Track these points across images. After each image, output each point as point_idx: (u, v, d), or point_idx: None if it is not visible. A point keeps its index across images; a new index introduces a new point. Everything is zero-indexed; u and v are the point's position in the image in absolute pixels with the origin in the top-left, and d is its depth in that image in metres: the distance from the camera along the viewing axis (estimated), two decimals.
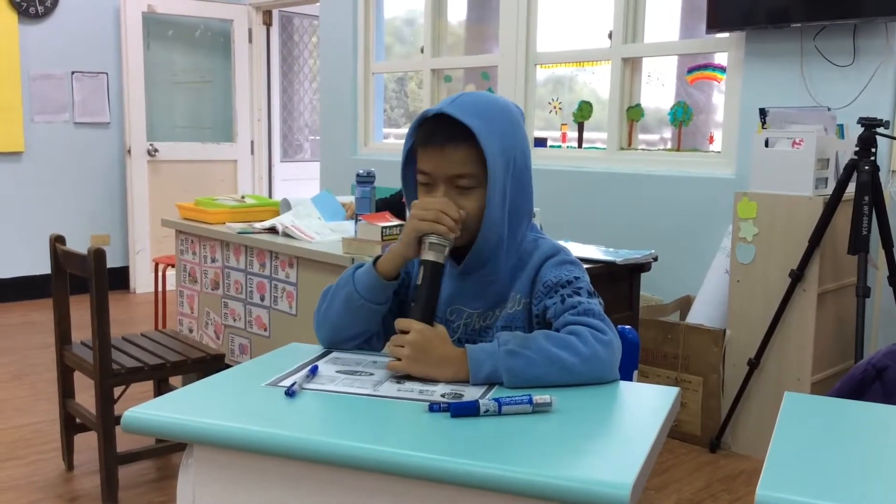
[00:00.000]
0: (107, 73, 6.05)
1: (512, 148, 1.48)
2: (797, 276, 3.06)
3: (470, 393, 1.31)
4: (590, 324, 1.40)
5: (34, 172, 5.81)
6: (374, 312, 1.53)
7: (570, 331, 1.39)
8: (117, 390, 2.80)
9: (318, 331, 1.59)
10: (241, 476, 1.22)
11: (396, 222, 2.79)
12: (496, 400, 1.23)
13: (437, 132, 1.46)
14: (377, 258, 1.53)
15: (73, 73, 5.90)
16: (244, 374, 1.45)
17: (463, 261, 1.53)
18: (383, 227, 2.73)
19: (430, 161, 1.48)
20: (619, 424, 1.26)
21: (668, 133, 4.52)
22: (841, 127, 3.26)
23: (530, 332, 1.50)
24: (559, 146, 4.59)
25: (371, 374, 1.41)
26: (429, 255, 1.45)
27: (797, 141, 3.10)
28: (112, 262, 4.98)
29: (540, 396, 1.23)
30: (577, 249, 2.91)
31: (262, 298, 3.19)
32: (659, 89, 4.39)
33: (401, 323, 1.43)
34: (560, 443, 1.16)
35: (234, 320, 3.35)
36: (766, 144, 3.16)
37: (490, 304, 1.54)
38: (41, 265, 5.61)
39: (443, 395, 1.30)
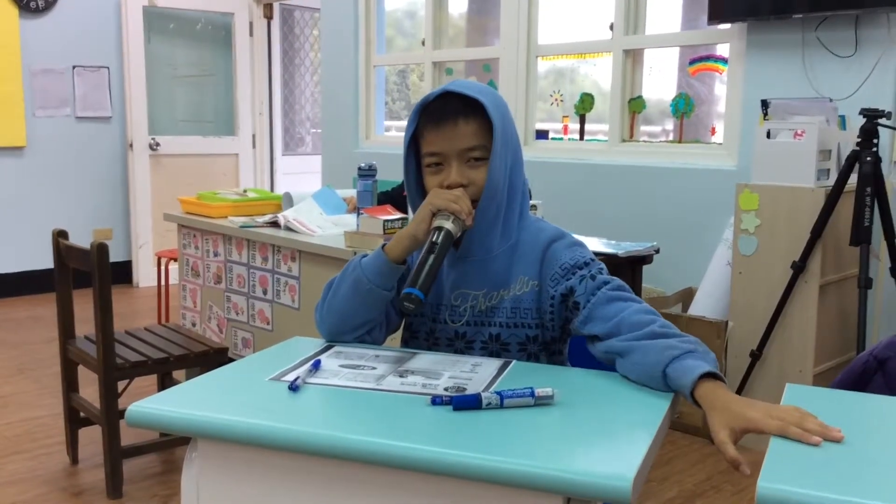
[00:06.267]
0: (108, 68, 6.04)
1: (510, 125, 1.55)
2: (799, 268, 3.05)
3: (473, 386, 1.31)
4: (641, 303, 1.46)
5: (36, 167, 5.82)
6: (381, 299, 1.54)
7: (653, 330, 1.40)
8: (121, 384, 2.81)
9: (322, 323, 1.59)
10: (245, 470, 1.22)
11: (398, 215, 2.79)
12: (498, 393, 1.23)
13: (445, 111, 1.51)
14: (384, 244, 1.55)
15: (74, 67, 5.90)
16: (247, 369, 1.46)
17: (461, 243, 1.56)
18: (385, 221, 2.73)
19: (440, 139, 1.51)
20: (621, 417, 1.26)
21: (669, 125, 4.52)
22: (843, 118, 3.26)
23: (539, 313, 1.54)
24: (561, 138, 4.59)
25: (374, 368, 1.41)
26: (443, 223, 1.47)
27: (799, 132, 3.09)
28: (115, 256, 4.98)
29: (542, 389, 1.24)
30: None
31: (265, 292, 3.20)
32: (660, 81, 4.39)
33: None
34: (562, 435, 1.16)
35: (237, 314, 3.36)
36: (768, 136, 3.16)
37: (492, 284, 1.56)
38: (44, 260, 5.61)
39: (445, 389, 1.30)
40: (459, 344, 1.58)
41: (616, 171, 4.11)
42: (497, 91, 1.62)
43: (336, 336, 1.58)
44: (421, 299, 1.42)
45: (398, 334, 1.70)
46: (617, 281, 1.49)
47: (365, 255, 1.57)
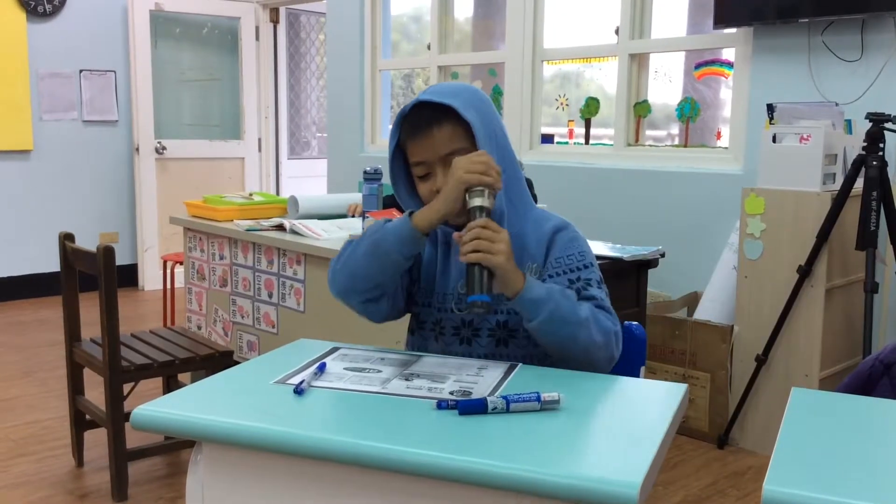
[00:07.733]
0: (115, 72, 6.06)
1: (490, 121, 1.55)
2: (805, 272, 3.05)
3: (478, 390, 1.31)
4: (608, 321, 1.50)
5: (43, 171, 5.84)
6: (396, 266, 1.52)
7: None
8: (126, 387, 2.82)
9: (334, 279, 1.58)
10: (249, 473, 1.22)
11: None
12: (504, 397, 1.23)
13: (419, 121, 1.53)
14: (411, 211, 1.52)
15: (81, 71, 5.92)
16: (253, 372, 1.46)
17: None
18: None
19: (421, 149, 1.54)
20: (628, 422, 1.26)
21: (675, 129, 4.51)
22: (849, 122, 3.25)
23: None
24: (566, 142, 4.59)
25: (379, 372, 1.41)
26: (483, 203, 1.45)
27: (805, 136, 3.09)
28: (121, 259, 4.99)
29: (548, 394, 1.24)
30: None
31: (271, 295, 3.20)
32: (666, 85, 4.38)
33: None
34: (568, 440, 1.16)
35: (243, 317, 3.36)
36: (774, 140, 3.16)
37: None
38: (50, 263, 5.63)
39: (451, 393, 1.30)
40: (466, 332, 1.57)
41: (621, 176, 4.11)
42: (476, 88, 1.61)
43: (345, 295, 1.57)
44: (489, 303, 1.42)
45: (404, 328, 1.69)
46: (601, 298, 1.52)
47: (389, 220, 1.55)
